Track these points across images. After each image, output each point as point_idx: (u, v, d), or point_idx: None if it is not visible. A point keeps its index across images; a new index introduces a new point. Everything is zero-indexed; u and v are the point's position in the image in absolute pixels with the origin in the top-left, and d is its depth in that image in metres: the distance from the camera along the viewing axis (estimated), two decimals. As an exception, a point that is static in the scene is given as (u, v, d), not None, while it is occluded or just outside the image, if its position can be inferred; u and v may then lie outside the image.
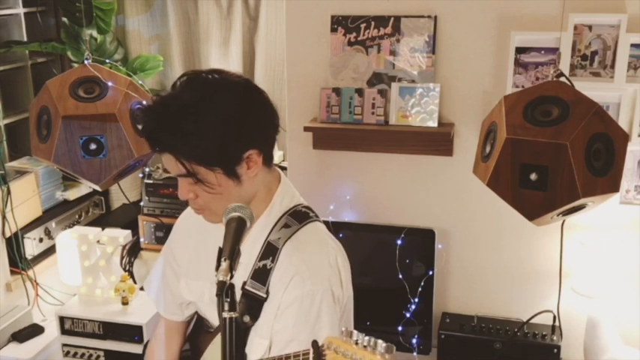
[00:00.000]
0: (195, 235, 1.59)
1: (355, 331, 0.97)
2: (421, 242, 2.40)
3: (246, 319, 1.40)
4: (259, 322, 1.41)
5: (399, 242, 2.40)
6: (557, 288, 2.28)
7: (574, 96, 1.78)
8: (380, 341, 0.94)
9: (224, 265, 1.12)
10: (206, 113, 1.32)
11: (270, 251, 1.43)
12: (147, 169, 2.95)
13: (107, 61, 2.70)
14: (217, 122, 1.32)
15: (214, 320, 1.59)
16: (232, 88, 1.39)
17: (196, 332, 1.74)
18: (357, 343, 0.96)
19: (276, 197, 1.49)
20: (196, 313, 1.71)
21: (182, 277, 1.64)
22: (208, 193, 1.38)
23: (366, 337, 0.95)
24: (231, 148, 1.36)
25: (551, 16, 2.12)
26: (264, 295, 1.41)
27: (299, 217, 1.48)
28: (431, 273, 2.39)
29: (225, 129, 1.33)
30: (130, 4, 3.22)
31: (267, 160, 1.45)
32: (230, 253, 1.14)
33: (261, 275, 1.42)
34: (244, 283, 1.42)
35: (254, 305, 1.41)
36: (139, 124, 1.99)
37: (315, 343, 1.01)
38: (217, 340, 1.59)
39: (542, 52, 2.18)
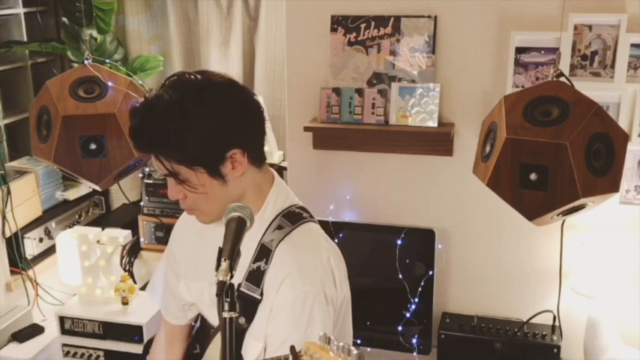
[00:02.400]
0: (194, 235, 1.59)
1: (332, 337, 0.97)
2: (421, 242, 2.40)
3: (242, 320, 1.40)
4: (254, 324, 1.41)
5: (399, 242, 2.40)
6: (557, 288, 2.28)
7: (574, 96, 1.78)
8: (352, 348, 0.94)
9: (224, 265, 1.12)
10: (186, 113, 1.31)
11: (263, 253, 1.42)
12: (147, 169, 2.95)
13: (107, 61, 2.69)
14: (197, 122, 1.32)
15: (214, 321, 1.59)
16: (214, 88, 1.38)
17: (202, 333, 1.74)
18: (332, 350, 0.96)
19: (269, 198, 1.48)
20: (200, 315, 1.71)
21: (181, 277, 1.64)
22: (193, 193, 1.38)
23: (341, 344, 0.95)
24: (212, 148, 1.35)
25: (551, 16, 2.12)
26: (259, 297, 1.40)
27: (292, 218, 1.47)
28: (431, 273, 2.38)
29: (205, 129, 1.33)
30: (130, 4, 3.22)
31: (255, 160, 1.43)
32: (230, 253, 1.14)
33: (255, 277, 1.41)
34: (239, 285, 1.42)
35: (249, 307, 1.41)
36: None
37: (292, 349, 1.01)
38: (216, 341, 1.59)
39: (542, 52, 2.18)
